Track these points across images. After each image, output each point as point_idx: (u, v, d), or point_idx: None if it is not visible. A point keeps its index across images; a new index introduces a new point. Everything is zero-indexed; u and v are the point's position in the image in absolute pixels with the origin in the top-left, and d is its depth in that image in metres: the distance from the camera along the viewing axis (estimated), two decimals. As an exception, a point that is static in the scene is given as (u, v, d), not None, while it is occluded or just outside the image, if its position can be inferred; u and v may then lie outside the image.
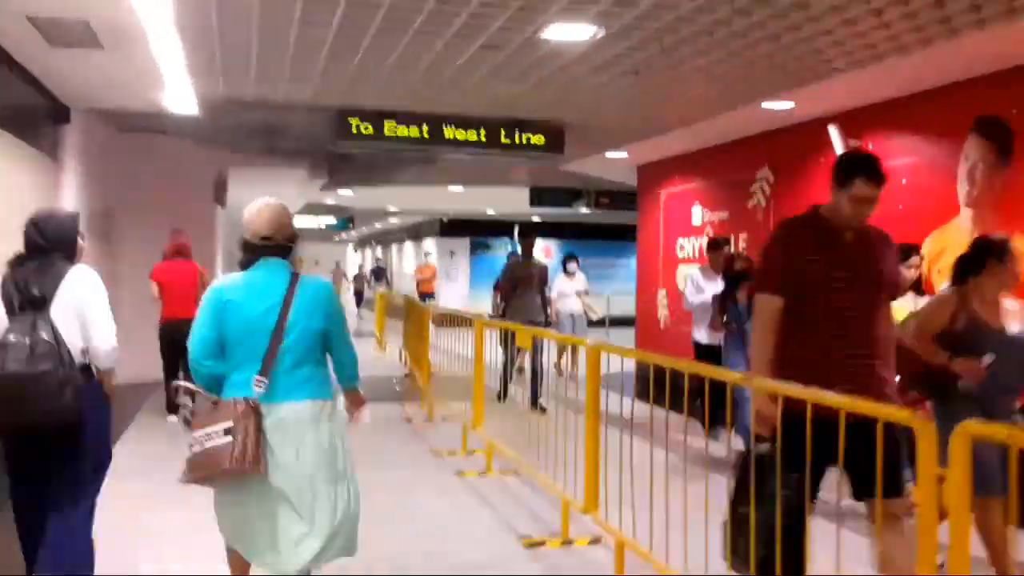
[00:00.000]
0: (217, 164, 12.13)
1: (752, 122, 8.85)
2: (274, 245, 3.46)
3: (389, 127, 8.21)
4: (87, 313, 3.58)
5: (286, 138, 10.37)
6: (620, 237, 25.69)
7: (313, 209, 21.59)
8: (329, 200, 19.68)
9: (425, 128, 8.28)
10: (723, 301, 7.20)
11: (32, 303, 3.48)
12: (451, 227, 24.90)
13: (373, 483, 6.41)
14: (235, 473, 3.20)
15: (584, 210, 15.26)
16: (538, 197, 15.31)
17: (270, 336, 3.32)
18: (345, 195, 17.81)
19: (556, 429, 5.36)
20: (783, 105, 7.95)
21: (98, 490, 3.84)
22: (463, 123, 8.37)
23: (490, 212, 22.60)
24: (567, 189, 15.32)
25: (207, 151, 11.64)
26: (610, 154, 10.95)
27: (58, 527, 3.61)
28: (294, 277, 3.43)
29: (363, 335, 18.63)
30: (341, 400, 3.69)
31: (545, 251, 25.71)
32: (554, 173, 14.33)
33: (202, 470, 3.26)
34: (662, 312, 11.39)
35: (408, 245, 29.36)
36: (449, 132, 8.33)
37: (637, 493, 4.27)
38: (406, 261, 28.10)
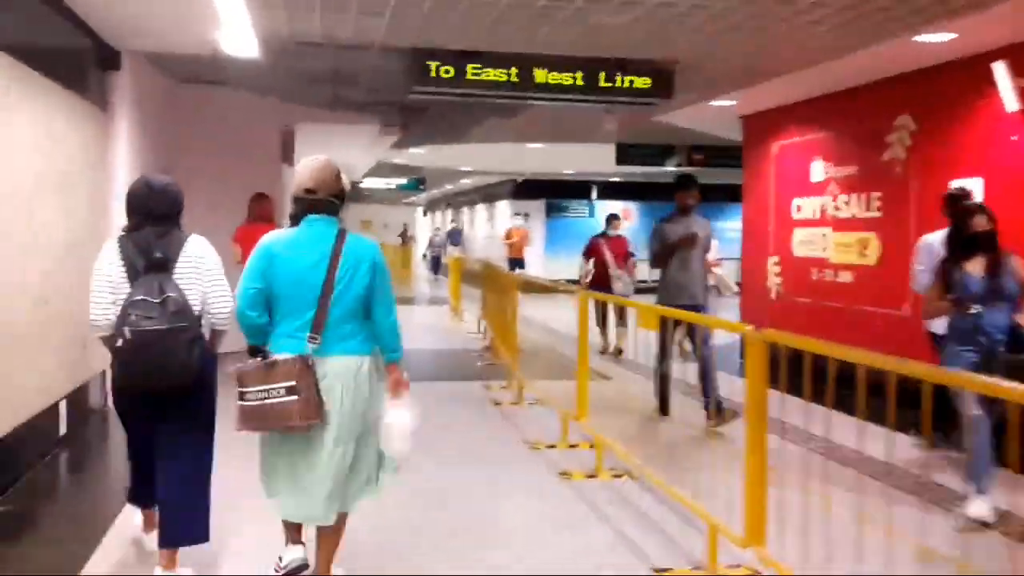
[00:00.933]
0: (283, 118, 11.25)
1: (894, 60, 7.55)
2: (319, 199, 3.50)
3: (472, 70, 7.15)
4: (207, 277, 3.70)
5: (357, 87, 9.39)
6: (713, 198, 24.30)
7: (383, 170, 20.70)
8: (399, 159, 18.75)
9: (513, 71, 7.20)
10: (946, 271, 4.98)
11: (157, 266, 3.58)
12: (526, 188, 23.78)
13: (459, 482, 5.49)
14: (301, 428, 3.38)
15: (673, 168, 14.02)
16: (625, 154, 14.11)
17: (316, 291, 3.41)
18: (417, 154, 16.85)
19: (681, 425, 4.29)
20: (941, 37, 6.66)
21: (212, 448, 3.89)
22: (557, 64, 7.26)
23: (568, 172, 21.42)
24: (657, 145, 14.08)
25: (272, 104, 10.76)
26: (717, 102, 9.71)
27: (177, 485, 3.76)
28: (341, 234, 3.49)
29: (439, 302, 17.75)
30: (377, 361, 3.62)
31: (624, 214, 24.49)
32: (641, 128, 13.13)
33: (262, 422, 3.41)
34: (773, 281, 10.18)
35: (480, 208, 28.36)
36: (541, 75, 7.24)
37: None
38: (478, 224, 27.09)
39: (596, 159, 16.80)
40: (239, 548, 4.23)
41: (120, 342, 3.47)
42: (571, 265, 22.27)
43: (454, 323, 15.07)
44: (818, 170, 9.32)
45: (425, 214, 42.34)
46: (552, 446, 6.30)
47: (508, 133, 13.21)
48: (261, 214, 8.16)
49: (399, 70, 7.53)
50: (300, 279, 3.43)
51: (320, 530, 3.58)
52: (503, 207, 24.93)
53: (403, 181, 22.73)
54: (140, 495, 4.04)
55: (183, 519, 3.72)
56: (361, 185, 22.64)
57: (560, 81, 7.24)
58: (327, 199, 3.53)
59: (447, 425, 6.96)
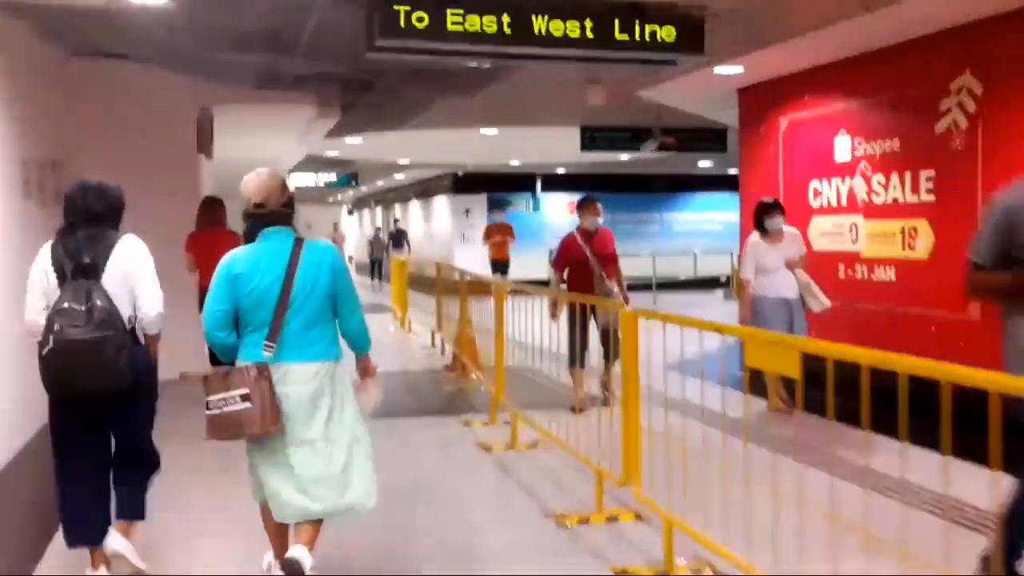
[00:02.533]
0: (199, 99, 9.39)
1: (951, 7, 6.20)
2: (269, 212, 3.55)
3: (452, 18, 5.50)
4: (137, 281, 3.70)
5: (292, 53, 7.63)
6: (673, 188, 23.08)
7: (312, 164, 18.80)
8: (331, 151, 16.90)
9: (505, 19, 5.58)
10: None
11: (85, 271, 3.57)
12: (466, 182, 22.13)
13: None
14: (258, 432, 3.45)
15: (649, 153, 12.57)
16: (591, 139, 12.59)
17: (277, 301, 3.47)
18: (351, 145, 15.04)
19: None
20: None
21: (153, 452, 3.99)
22: (562, 9, 5.67)
23: (514, 163, 19.85)
24: (629, 128, 12.60)
25: (186, 83, 8.91)
26: (722, 68, 8.25)
27: (120, 489, 3.86)
28: (298, 243, 3.54)
29: (381, 310, 15.96)
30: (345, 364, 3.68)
31: (570, 207, 23.09)
32: (605, 110, 11.64)
33: (224, 431, 3.49)
34: (784, 277, 8.76)
35: (415, 205, 26.57)
36: (540, 24, 5.63)
37: None
38: (412, 223, 25.29)
39: (555, 146, 15.28)
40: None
41: (45, 350, 3.47)
42: (516, 264, 20.84)
43: (402, 335, 13.35)
44: (843, 147, 7.95)
45: (351, 213, 40.24)
46: (585, 519, 4.70)
47: (463, 116, 11.56)
48: (213, 220, 7.62)
49: (355, 23, 5.84)
50: (263, 293, 3.48)
51: (297, 524, 3.59)
52: (442, 203, 23.23)
53: (332, 177, 20.83)
54: (79, 533, 3.82)
55: (128, 499, 3.87)
56: (288, 183, 20.71)
57: (565, 31, 5.65)
58: (278, 210, 3.57)
59: (432, 490, 5.33)
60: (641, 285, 19.66)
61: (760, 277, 7.03)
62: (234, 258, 3.54)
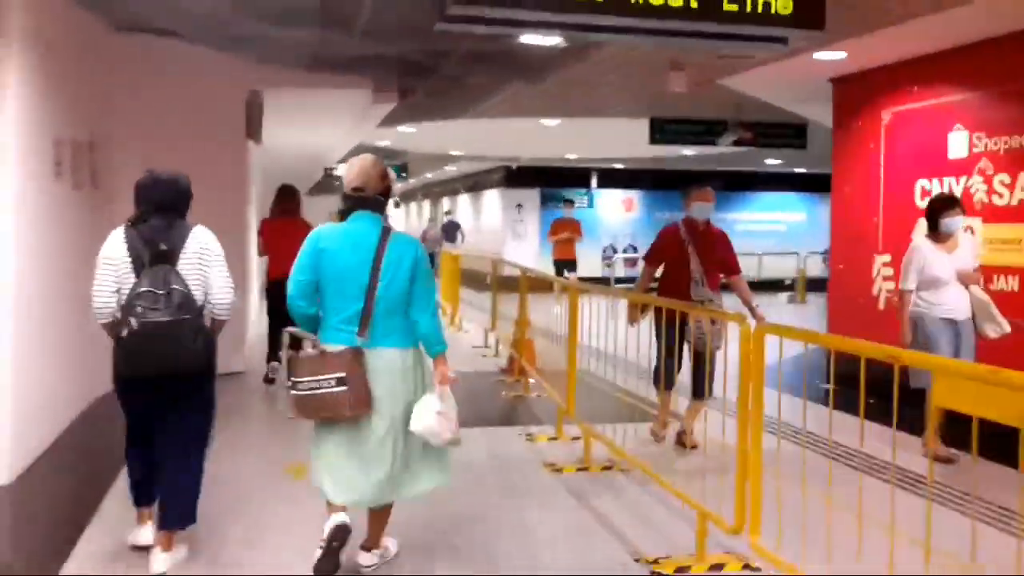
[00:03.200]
0: (248, 81, 8.81)
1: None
2: (365, 197, 3.65)
3: (538, -16, 4.78)
4: (210, 269, 3.82)
5: (350, 30, 6.97)
6: (733, 187, 22.16)
7: (362, 153, 18.23)
8: (382, 141, 16.29)
9: (597, -15, 4.83)
10: None
11: (162, 257, 3.72)
12: (519, 176, 21.40)
13: None
14: (350, 417, 3.53)
15: (726, 148, 11.75)
16: (661, 131, 11.79)
17: (362, 285, 3.53)
18: (404, 135, 14.42)
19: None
20: None
21: (211, 431, 4.09)
22: (663, -25, 4.91)
23: (570, 157, 19.08)
24: (704, 120, 11.78)
25: (234, 62, 8.32)
26: (822, 55, 7.44)
27: (178, 472, 3.91)
28: (386, 231, 3.60)
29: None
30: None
31: (627, 204, 22.30)
32: (676, 101, 10.84)
33: (314, 411, 3.56)
34: (882, 286, 7.94)
35: (464, 198, 25.93)
36: (637, -9, 4.88)
37: None
38: (462, 217, 24.60)
39: (619, 139, 14.50)
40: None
41: (126, 332, 3.62)
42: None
43: (452, 333, 12.69)
44: (959, 143, 7.10)
45: (397, 206, 39.77)
46: (684, 568, 3.97)
47: (525, 104, 10.85)
48: (287, 208, 7.90)
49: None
50: (347, 273, 3.56)
51: (370, 509, 3.77)
52: (492, 197, 22.53)
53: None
54: (140, 494, 4.05)
55: (181, 503, 3.88)
56: (336, 172, 20.15)
57: (665, 0, 4.89)
58: (374, 197, 3.67)
59: (494, 519, 4.65)
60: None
61: (924, 290, 5.73)
62: (323, 233, 3.64)
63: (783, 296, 19.41)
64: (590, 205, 22.06)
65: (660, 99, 10.52)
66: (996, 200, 6.72)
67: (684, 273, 5.89)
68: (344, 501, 3.63)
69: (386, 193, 3.73)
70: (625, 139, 14.61)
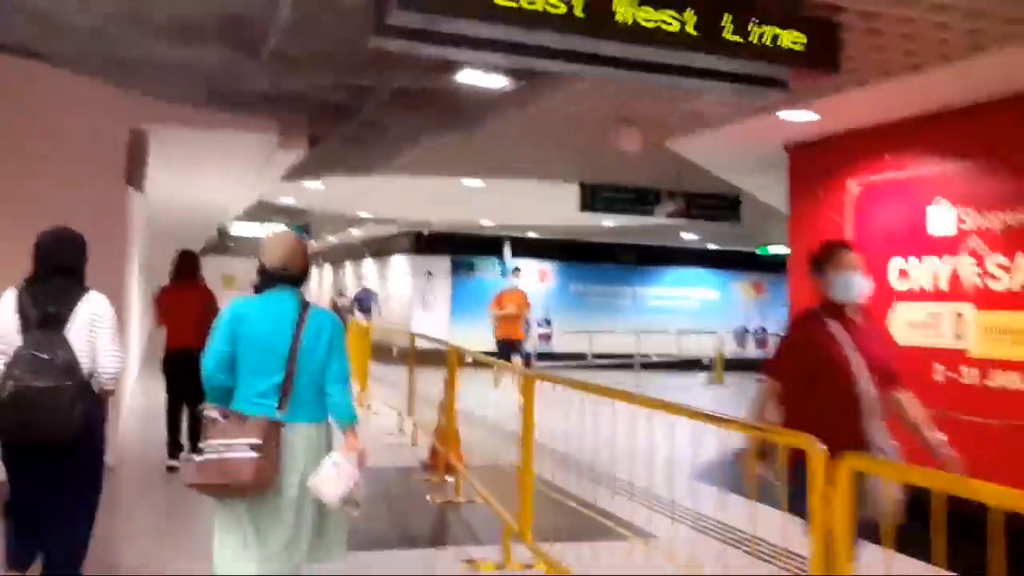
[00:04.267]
0: (133, 119, 7.51)
1: None
2: (289, 276, 3.64)
3: (503, -8, 3.78)
4: (99, 336, 3.81)
5: (257, 56, 5.82)
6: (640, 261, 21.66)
7: (260, 212, 16.84)
8: (285, 198, 15.00)
9: (578, 1, 3.87)
10: None
11: (49, 321, 3.71)
12: (429, 242, 20.32)
13: None
14: (255, 488, 3.35)
15: (663, 219, 10.96)
16: (593, 197, 10.94)
17: (282, 357, 3.51)
18: (310, 192, 13.20)
19: None
20: None
21: (96, 502, 4.06)
22: (656, -7, 3.99)
23: (486, 223, 18.14)
24: (633, 189, 11.00)
25: (116, 96, 7.05)
26: (790, 114, 6.69)
27: (61, 532, 3.89)
28: (304, 305, 3.62)
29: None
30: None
31: (541, 274, 21.44)
32: (609, 166, 10.08)
33: (216, 478, 3.36)
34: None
35: (369, 264, 24.65)
36: (624, 10, 3.94)
37: None
38: (367, 285, 23.19)
39: (544, 204, 13.62)
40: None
41: (4, 395, 3.58)
42: (482, 333, 18.98)
43: (360, 416, 11.34)
44: (943, 219, 6.39)
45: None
46: None
47: (449, 161, 9.84)
48: (186, 274, 7.51)
49: (348, 6, 4.10)
50: (266, 346, 3.52)
51: None
52: (400, 263, 21.31)
53: (284, 228, 18.89)
54: (19, 557, 3.95)
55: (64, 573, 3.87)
56: (231, 231, 18.68)
57: (659, 22, 3.95)
58: (297, 275, 3.66)
59: None
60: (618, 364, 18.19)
61: None
62: (242, 303, 3.64)
63: (700, 376, 18.74)
64: (503, 275, 21.08)
65: (597, 161, 9.70)
66: (992, 284, 5.98)
67: (846, 396, 3.59)
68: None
69: (307, 270, 3.74)
70: (551, 205, 13.73)
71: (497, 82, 5.85)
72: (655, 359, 18.86)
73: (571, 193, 11.35)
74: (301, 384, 3.51)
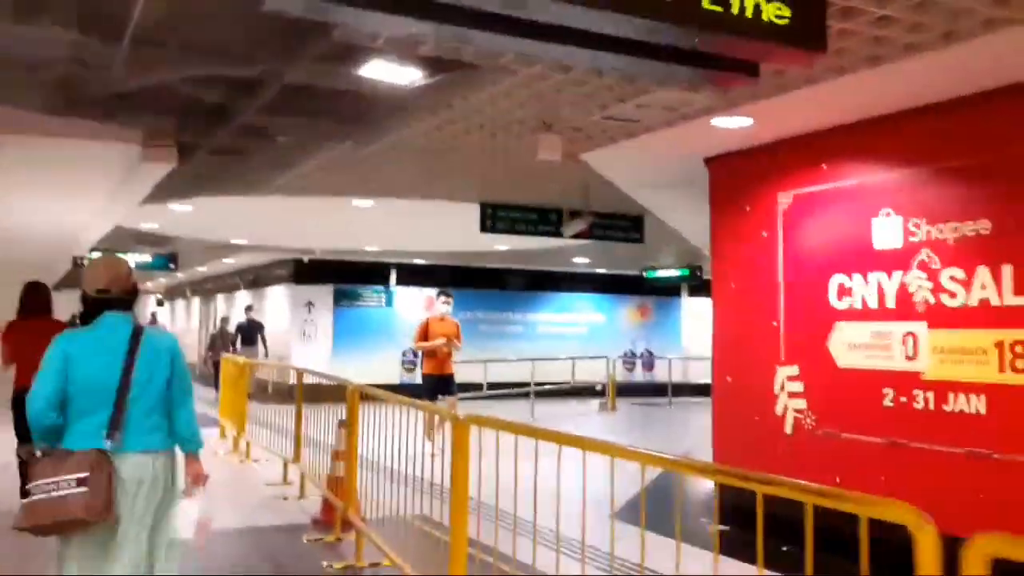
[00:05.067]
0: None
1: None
2: (112, 298, 3.52)
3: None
4: None
5: (118, 40, 4.79)
6: (507, 285, 21.09)
7: (121, 241, 15.32)
8: (148, 223, 13.63)
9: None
10: None
11: None
12: (310, 271, 19.11)
13: None
14: (90, 522, 3.25)
15: (569, 238, 10.33)
16: (492, 218, 10.22)
17: (115, 388, 3.39)
18: (179, 214, 11.94)
19: None
20: None
21: None
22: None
23: (370, 248, 17.12)
24: (536, 208, 10.35)
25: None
26: (724, 121, 6.15)
27: None
28: (137, 329, 3.51)
29: (207, 423, 12.56)
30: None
31: (428, 303, 20.51)
32: (504, 186, 9.46)
33: (48, 517, 3.24)
34: (787, 404, 6.59)
35: (242, 296, 23.12)
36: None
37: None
38: (240, 317, 21.62)
39: (448, 226, 12.80)
40: None
41: None
42: (366, 366, 17.91)
43: (235, 464, 10.16)
44: (890, 231, 5.94)
45: (161, 304, 35.75)
46: None
47: (338, 180, 8.92)
48: (35, 308, 7.10)
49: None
50: (99, 377, 3.40)
51: None
52: (278, 294, 19.95)
53: (147, 258, 17.30)
54: None
55: None
56: (87, 262, 16.97)
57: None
58: (122, 297, 3.55)
59: None
60: (508, 393, 17.41)
61: None
62: (70, 337, 3.51)
63: (594, 403, 18.24)
64: (388, 304, 20.10)
65: (498, 179, 8.98)
66: (946, 300, 5.55)
67: None
68: None
69: (134, 291, 3.63)
70: (445, 227, 12.97)
71: (410, 76, 5.04)
72: (548, 387, 18.25)
73: (467, 213, 10.63)
74: (137, 412, 3.42)
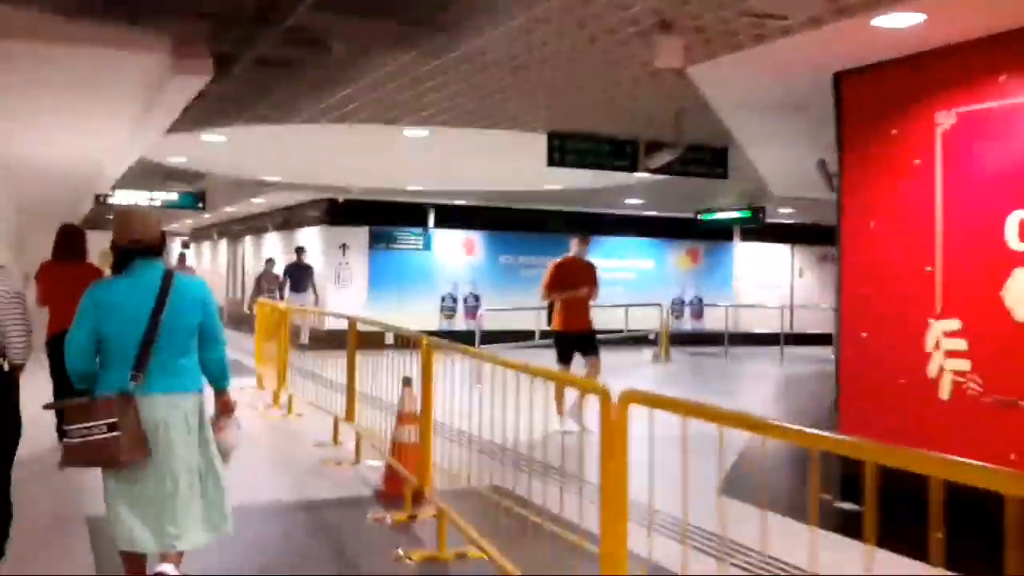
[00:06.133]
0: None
1: None
2: (143, 248, 3.68)
3: None
4: (5, 317, 4.09)
5: None
6: (548, 228, 19.87)
7: (146, 177, 14.26)
8: (175, 157, 12.58)
9: None
10: None
11: None
12: (345, 211, 18.02)
13: None
14: (122, 463, 3.49)
15: (653, 171, 9.16)
16: (560, 150, 9.06)
17: (143, 332, 3.53)
18: (210, 145, 10.87)
19: None
20: None
21: (11, 465, 4.33)
22: None
23: (413, 187, 15.99)
24: (613, 140, 9.19)
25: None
26: (885, 19, 4.97)
27: None
28: (168, 274, 3.66)
29: (242, 371, 11.65)
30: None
31: (466, 244, 19.43)
32: (572, 113, 8.32)
33: (86, 459, 3.55)
34: (944, 366, 5.50)
35: (272, 239, 22.13)
36: None
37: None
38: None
39: (509, 160, 11.68)
40: None
41: None
42: (403, 312, 16.89)
43: (276, 420, 9.25)
44: (1098, 155, 4.77)
45: (186, 246, 34.90)
46: None
47: (394, 102, 7.79)
48: (71, 251, 7.05)
49: None
50: (131, 322, 3.54)
51: (161, 555, 3.68)
52: (311, 236, 18.86)
53: (173, 196, 16.26)
54: None
55: None
56: (111, 200, 15.95)
57: None
58: (152, 245, 3.71)
59: None
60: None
61: None
62: (103, 286, 3.75)
63: (647, 353, 17.23)
64: (426, 246, 19.05)
65: (587, 99, 7.81)
66: None
67: None
68: (144, 548, 3.61)
69: (163, 239, 3.79)
70: (502, 162, 11.84)
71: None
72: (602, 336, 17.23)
73: (525, 146, 9.56)
74: (165, 355, 3.55)
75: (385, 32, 5.67)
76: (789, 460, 6.42)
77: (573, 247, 9.13)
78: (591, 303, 8.97)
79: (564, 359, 8.74)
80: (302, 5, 5.08)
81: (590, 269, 9.08)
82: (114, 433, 3.41)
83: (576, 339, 8.76)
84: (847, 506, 5.31)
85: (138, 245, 3.64)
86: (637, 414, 2.97)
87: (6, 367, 4.14)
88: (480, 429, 4.91)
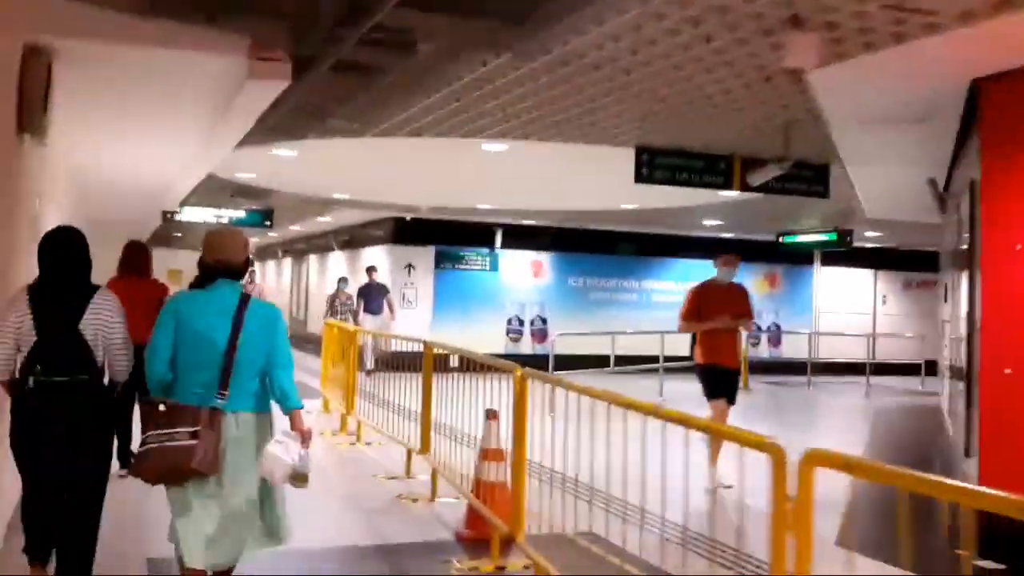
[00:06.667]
0: (27, 25, 4.95)
1: None
2: (226, 268, 3.81)
3: None
4: (110, 334, 4.12)
5: None
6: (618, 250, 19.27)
7: (210, 194, 13.99)
8: (244, 173, 12.30)
9: None
10: None
11: (64, 320, 4.01)
12: (411, 231, 17.66)
13: None
14: (198, 472, 3.54)
15: (755, 189, 8.52)
16: (650, 165, 8.48)
17: (222, 349, 3.65)
18: (282, 160, 10.53)
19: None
20: None
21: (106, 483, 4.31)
22: None
23: (483, 206, 15.52)
24: (705, 155, 8.60)
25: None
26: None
27: (79, 520, 4.13)
28: (245, 297, 3.79)
29: (309, 393, 11.23)
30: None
31: (534, 266, 18.89)
32: (661, 126, 7.75)
33: (160, 463, 3.56)
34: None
35: (336, 258, 21.89)
36: None
37: None
38: (333, 281, 20.33)
39: (591, 177, 11.16)
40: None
41: (24, 390, 3.97)
42: (466, 333, 16.41)
43: (344, 450, 8.78)
44: None
45: (251, 264, 34.99)
46: None
47: (477, 114, 7.32)
48: (135, 267, 7.05)
49: None
50: (207, 338, 3.66)
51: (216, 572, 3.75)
52: (377, 256, 18.51)
53: (241, 214, 16.05)
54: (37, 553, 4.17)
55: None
56: (178, 217, 15.81)
57: None
58: (237, 267, 3.86)
59: None
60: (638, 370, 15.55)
61: None
62: (184, 297, 3.88)
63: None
64: (493, 267, 18.57)
65: (684, 110, 7.24)
66: None
67: None
68: (205, 565, 3.64)
69: (247, 263, 3.93)
70: (581, 179, 11.31)
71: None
72: (674, 364, 16.52)
73: (607, 161, 9.02)
74: (241, 375, 3.66)
75: (475, 31, 5.19)
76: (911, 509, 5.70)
77: (717, 268, 7.89)
78: (741, 333, 7.81)
79: (714, 394, 7.46)
80: (387, 2, 4.62)
81: (739, 293, 7.89)
82: (193, 441, 3.49)
83: (723, 376, 7.56)
84: (988, 564, 4.69)
85: (222, 265, 3.78)
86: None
87: (118, 388, 4.22)
88: (593, 477, 4.36)
